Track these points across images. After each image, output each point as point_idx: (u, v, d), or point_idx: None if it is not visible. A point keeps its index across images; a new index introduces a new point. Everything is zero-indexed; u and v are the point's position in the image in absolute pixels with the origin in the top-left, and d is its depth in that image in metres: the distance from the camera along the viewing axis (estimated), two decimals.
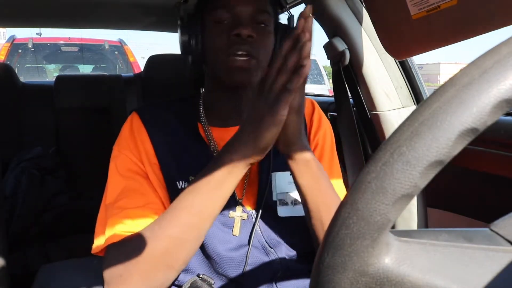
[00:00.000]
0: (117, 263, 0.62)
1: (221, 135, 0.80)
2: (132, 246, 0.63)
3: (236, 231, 0.76)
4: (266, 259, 0.76)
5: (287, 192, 0.79)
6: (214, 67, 0.77)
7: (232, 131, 0.80)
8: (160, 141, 0.76)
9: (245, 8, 0.74)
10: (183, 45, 0.78)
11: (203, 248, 0.75)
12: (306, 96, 0.91)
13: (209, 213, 0.63)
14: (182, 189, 0.74)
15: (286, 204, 0.78)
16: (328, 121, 0.90)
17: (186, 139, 0.78)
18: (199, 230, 0.64)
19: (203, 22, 0.77)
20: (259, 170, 0.79)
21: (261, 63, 0.75)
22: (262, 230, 0.77)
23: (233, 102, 0.80)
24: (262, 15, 0.75)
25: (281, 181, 0.79)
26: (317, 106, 0.90)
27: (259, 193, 0.78)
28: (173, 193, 0.74)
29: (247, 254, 0.74)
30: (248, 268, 0.75)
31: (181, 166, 0.76)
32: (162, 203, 0.74)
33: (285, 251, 0.77)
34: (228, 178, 0.62)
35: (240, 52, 0.71)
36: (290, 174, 0.80)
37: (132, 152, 0.75)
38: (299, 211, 0.78)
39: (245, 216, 0.76)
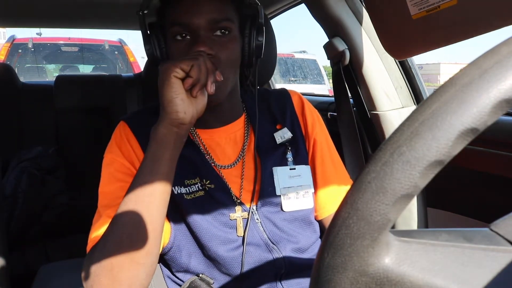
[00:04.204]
0: (88, 268, 0.61)
1: (209, 137, 0.80)
2: (98, 248, 0.62)
3: (240, 231, 0.76)
4: (269, 256, 0.76)
5: (290, 186, 0.79)
6: None
7: (218, 132, 0.81)
8: None
9: (201, 20, 0.70)
10: (150, 57, 0.77)
11: (204, 250, 0.75)
12: (303, 95, 0.92)
13: (150, 191, 0.62)
14: (179, 194, 0.74)
15: (289, 198, 0.79)
16: (317, 112, 0.90)
17: None
18: (147, 212, 0.62)
19: (166, 35, 0.75)
20: (255, 166, 0.80)
21: (228, 75, 0.73)
22: (264, 227, 0.77)
23: (212, 111, 0.76)
24: (223, 23, 0.71)
25: (282, 175, 0.79)
26: (305, 100, 0.89)
27: (261, 188, 0.78)
28: (170, 199, 0.74)
29: (243, 253, 0.74)
30: (249, 266, 0.75)
31: (176, 171, 0.75)
32: None
33: (289, 247, 0.77)
34: (159, 150, 0.64)
35: None
36: (290, 169, 0.80)
37: (125, 157, 0.74)
38: (302, 204, 0.79)
39: (245, 214, 0.76)
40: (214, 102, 0.71)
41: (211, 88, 0.65)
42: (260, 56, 0.80)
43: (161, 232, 0.65)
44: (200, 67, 0.63)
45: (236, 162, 0.80)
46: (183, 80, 0.63)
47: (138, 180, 0.63)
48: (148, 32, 0.77)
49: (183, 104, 0.63)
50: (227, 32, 0.72)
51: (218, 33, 0.72)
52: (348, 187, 0.85)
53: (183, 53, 0.70)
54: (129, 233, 0.61)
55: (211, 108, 0.76)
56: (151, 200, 0.62)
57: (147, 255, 0.62)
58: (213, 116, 0.80)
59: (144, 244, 0.61)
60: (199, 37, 0.70)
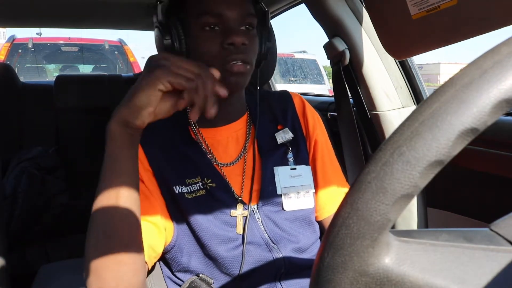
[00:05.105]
0: (83, 268, 0.61)
1: (212, 135, 0.80)
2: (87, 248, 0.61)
3: (240, 229, 0.76)
4: (269, 255, 0.76)
5: (290, 186, 0.79)
6: None
7: (222, 130, 0.81)
8: (152, 147, 0.76)
9: (233, 12, 0.71)
10: (164, 48, 0.74)
11: (204, 249, 0.75)
12: (302, 96, 0.93)
13: (116, 193, 0.58)
14: (180, 194, 0.74)
15: (290, 197, 0.79)
16: (318, 114, 0.91)
17: (178, 142, 0.78)
18: (116, 213, 0.59)
19: (186, 25, 0.74)
20: (254, 165, 0.80)
21: (253, 66, 0.75)
22: (265, 226, 0.77)
23: (222, 104, 0.77)
24: (249, 18, 0.73)
25: (283, 175, 0.79)
26: (306, 101, 0.90)
27: (262, 187, 0.78)
28: (171, 199, 0.74)
29: (243, 252, 0.74)
30: (249, 265, 0.75)
31: (176, 170, 0.75)
32: (155, 206, 0.73)
33: (289, 246, 0.77)
34: (116, 149, 0.59)
35: (236, 61, 0.70)
36: (291, 169, 0.81)
37: None
38: (303, 204, 0.80)
39: (246, 213, 0.76)
40: (235, 90, 0.73)
41: (209, 112, 0.58)
42: (265, 59, 0.82)
43: (139, 229, 0.63)
44: (198, 91, 0.56)
45: (237, 160, 0.80)
46: (169, 92, 0.57)
47: (101, 185, 0.60)
48: (166, 23, 0.74)
49: (149, 117, 0.57)
50: (251, 28, 0.74)
51: (244, 28, 0.73)
52: (346, 189, 0.85)
53: (217, 44, 0.70)
54: (104, 232, 0.59)
55: (219, 103, 0.76)
56: (119, 205, 0.59)
57: (128, 253, 0.60)
58: (219, 113, 0.79)
59: (122, 242, 0.60)
60: (233, 28, 0.71)
